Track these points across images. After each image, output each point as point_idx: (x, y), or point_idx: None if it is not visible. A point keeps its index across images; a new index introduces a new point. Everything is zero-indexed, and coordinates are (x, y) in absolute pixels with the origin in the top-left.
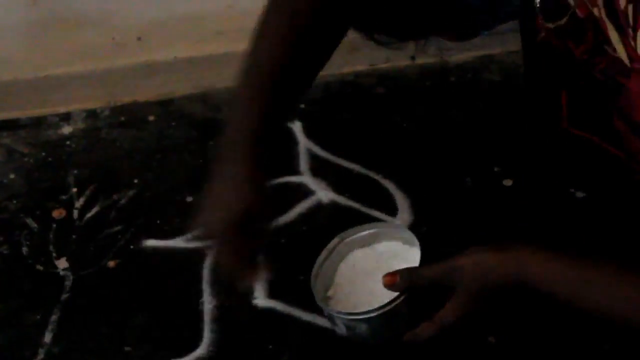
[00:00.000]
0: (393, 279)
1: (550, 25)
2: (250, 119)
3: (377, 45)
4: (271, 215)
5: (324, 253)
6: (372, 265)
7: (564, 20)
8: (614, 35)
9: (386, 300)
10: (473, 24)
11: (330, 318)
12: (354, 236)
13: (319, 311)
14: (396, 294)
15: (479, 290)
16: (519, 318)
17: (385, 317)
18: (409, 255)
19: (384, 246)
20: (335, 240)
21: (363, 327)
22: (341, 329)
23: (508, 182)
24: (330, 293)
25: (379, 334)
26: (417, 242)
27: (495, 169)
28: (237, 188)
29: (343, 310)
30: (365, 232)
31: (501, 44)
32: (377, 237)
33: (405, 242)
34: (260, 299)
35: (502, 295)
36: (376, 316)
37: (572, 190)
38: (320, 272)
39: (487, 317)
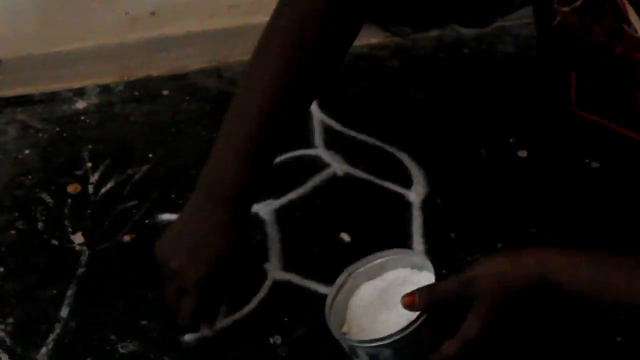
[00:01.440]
0: (412, 299)
1: (566, 9)
2: (239, 163)
3: (394, 35)
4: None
5: (333, 290)
6: (381, 297)
7: (580, 2)
8: (633, 16)
9: (406, 324)
10: (489, 12)
11: (351, 350)
12: (361, 269)
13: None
14: (416, 314)
15: (500, 298)
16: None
17: (408, 340)
18: (419, 280)
19: (391, 275)
20: (343, 275)
21: (387, 353)
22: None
23: (523, 154)
24: (344, 329)
25: (403, 358)
26: (428, 265)
27: (510, 140)
28: (218, 233)
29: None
30: (372, 263)
31: (515, 15)
32: (384, 267)
33: (414, 266)
34: (276, 272)
35: (525, 300)
36: (399, 339)
37: (587, 160)
38: (332, 310)
39: (511, 327)
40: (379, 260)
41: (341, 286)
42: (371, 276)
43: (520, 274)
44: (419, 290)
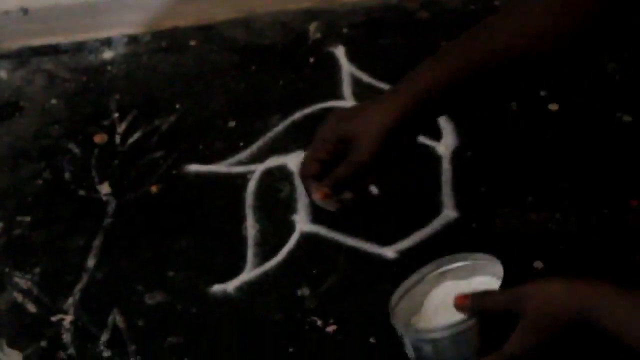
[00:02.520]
0: (464, 301)
1: None
2: (425, 79)
3: None
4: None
5: (414, 276)
6: None
7: None
8: None
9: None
10: None
11: (400, 338)
12: (450, 266)
13: (362, 236)
14: (465, 317)
15: (542, 320)
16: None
17: (452, 340)
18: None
19: (478, 281)
20: (430, 266)
21: (428, 349)
22: (409, 351)
23: (554, 107)
24: (414, 320)
25: (444, 357)
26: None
27: (542, 93)
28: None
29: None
30: (461, 263)
31: None
32: (474, 270)
33: (499, 278)
34: (304, 224)
35: (569, 331)
36: (441, 338)
37: (619, 114)
38: (407, 296)
39: (549, 356)
40: (469, 262)
41: (424, 276)
42: (459, 276)
43: (570, 304)
44: (473, 294)
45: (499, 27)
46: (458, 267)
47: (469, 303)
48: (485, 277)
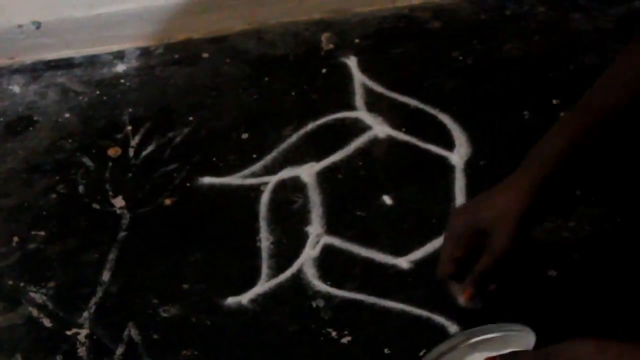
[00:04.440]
0: None
1: None
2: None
3: None
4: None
5: (444, 345)
6: None
7: None
8: None
9: None
10: None
11: None
12: (482, 337)
13: (376, 247)
14: None
15: None
16: None
17: None
18: None
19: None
20: (461, 336)
21: None
22: None
23: None
24: None
25: None
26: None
27: (554, 102)
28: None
29: None
30: (493, 334)
31: None
32: (505, 342)
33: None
34: (318, 235)
35: None
36: None
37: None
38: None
39: None
40: (500, 333)
41: (454, 347)
42: (490, 348)
43: None
44: (502, 356)
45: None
46: (490, 339)
47: None
48: (517, 349)
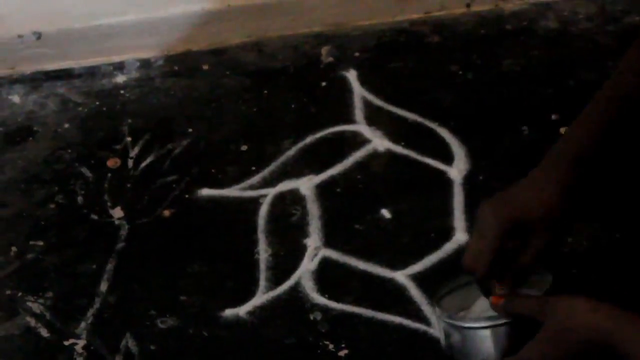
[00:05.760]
0: (498, 300)
1: None
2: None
3: None
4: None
5: (468, 277)
6: None
7: None
8: None
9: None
10: None
11: (437, 321)
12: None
13: (374, 260)
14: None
15: (561, 333)
16: None
17: (480, 334)
18: None
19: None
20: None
21: (456, 337)
22: (441, 336)
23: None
24: (462, 314)
25: (469, 351)
26: None
27: (553, 117)
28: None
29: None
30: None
31: None
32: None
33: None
34: (316, 248)
35: (583, 346)
36: (469, 328)
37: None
38: (458, 292)
39: None
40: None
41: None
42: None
43: (592, 322)
44: (507, 295)
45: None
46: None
47: (502, 303)
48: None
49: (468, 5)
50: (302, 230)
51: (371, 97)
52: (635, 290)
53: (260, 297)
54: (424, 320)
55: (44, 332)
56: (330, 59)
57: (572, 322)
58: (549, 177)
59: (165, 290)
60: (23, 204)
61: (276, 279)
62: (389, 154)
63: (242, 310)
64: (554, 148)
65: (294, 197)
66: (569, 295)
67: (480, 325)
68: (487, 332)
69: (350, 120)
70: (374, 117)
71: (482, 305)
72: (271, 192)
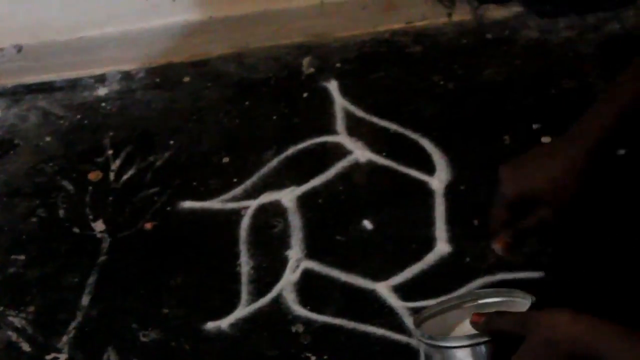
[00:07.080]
0: (479, 318)
1: None
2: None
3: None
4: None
5: (451, 301)
6: None
7: None
8: None
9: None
10: None
11: (418, 344)
12: (489, 300)
13: (357, 272)
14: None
15: (543, 346)
16: None
17: (462, 353)
18: None
19: None
20: (469, 296)
21: (437, 358)
22: (422, 357)
23: (547, 139)
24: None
25: None
26: None
27: (534, 126)
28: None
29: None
30: (501, 298)
31: None
32: (509, 307)
33: None
34: (298, 259)
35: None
36: (450, 347)
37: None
38: (440, 317)
39: None
40: (508, 299)
41: (462, 303)
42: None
43: (574, 335)
44: (488, 312)
45: None
46: (497, 302)
47: (482, 321)
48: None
49: (449, 15)
50: (284, 241)
51: (352, 108)
52: (617, 298)
53: (243, 310)
54: (406, 331)
55: (26, 347)
56: (312, 69)
57: (554, 335)
58: (568, 155)
59: (147, 304)
60: (4, 217)
61: (258, 291)
62: (371, 164)
63: (225, 322)
64: (580, 121)
65: (276, 209)
66: (550, 309)
67: (461, 344)
68: (467, 352)
69: (331, 131)
70: (356, 127)
71: (463, 329)
72: (253, 204)
